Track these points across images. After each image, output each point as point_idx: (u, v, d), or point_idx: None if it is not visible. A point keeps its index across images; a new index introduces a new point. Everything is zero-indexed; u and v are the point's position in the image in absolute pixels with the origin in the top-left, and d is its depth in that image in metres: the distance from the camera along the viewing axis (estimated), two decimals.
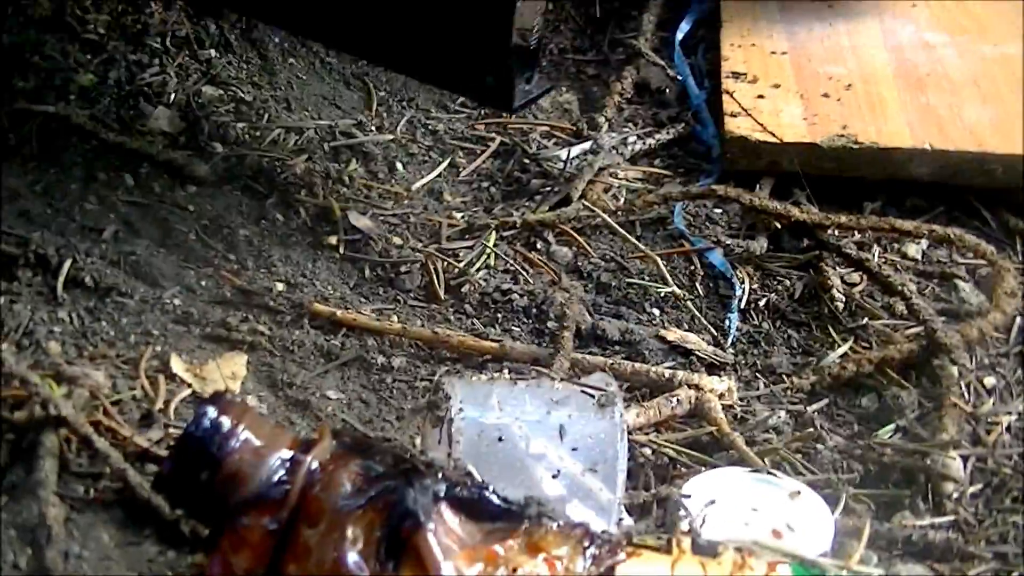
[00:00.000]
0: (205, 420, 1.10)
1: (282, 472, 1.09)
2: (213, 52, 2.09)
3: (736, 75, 2.12)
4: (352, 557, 1.03)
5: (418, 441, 1.36)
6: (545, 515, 1.09)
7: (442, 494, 1.08)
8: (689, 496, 1.33)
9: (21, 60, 1.97)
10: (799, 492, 1.35)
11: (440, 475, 1.09)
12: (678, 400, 1.54)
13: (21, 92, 1.91)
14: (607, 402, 1.31)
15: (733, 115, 2.03)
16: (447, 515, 1.07)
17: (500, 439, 1.27)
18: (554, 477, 1.25)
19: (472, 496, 1.09)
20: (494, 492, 1.10)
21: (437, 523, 1.05)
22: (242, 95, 2.01)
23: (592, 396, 1.32)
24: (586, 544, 1.08)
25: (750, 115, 2.02)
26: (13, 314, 1.54)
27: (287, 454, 1.10)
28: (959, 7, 2.36)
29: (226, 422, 1.11)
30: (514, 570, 1.05)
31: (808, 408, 1.60)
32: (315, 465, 1.09)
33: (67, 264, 1.61)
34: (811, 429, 1.54)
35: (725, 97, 2.07)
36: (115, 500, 1.34)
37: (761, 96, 2.07)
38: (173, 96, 1.98)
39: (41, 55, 1.98)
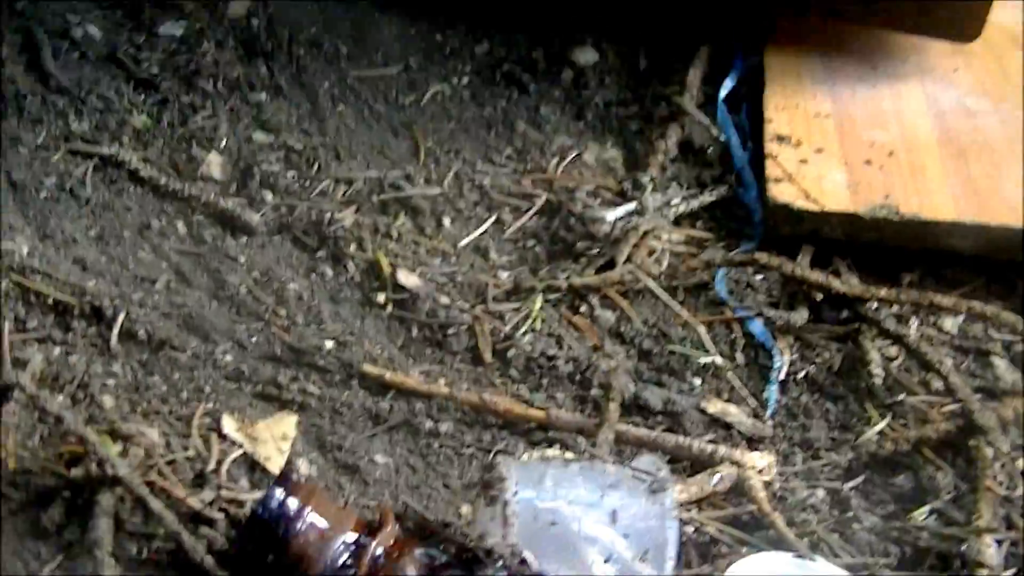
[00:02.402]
0: (273, 502, 1.13)
1: (347, 556, 1.12)
2: (264, 96, 2.11)
3: (780, 138, 2.14)
4: None
5: (466, 510, 1.38)
6: None
7: None
8: None
9: (77, 99, 1.99)
10: None
11: (500, 563, 1.12)
12: (720, 477, 1.56)
13: (76, 133, 1.93)
14: (658, 488, 1.34)
15: (776, 181, 2.04)
16: None
17: (554, 523, 1.29)
18: (606, 561, 1.28)
19: None
20: None
21: None
22: (292, 143, 2.03)
23: (644, 480, 1.35)
24: None
25: (793, 181, 2.03)
26: (68, 366, 1.57)
27: (352, 537, 1.13)
28: (1000, 72, 2.37)
29: (293, 504, 1.13)
30: None
31: (845, 485, 1.62)
32: (379, 551, 1.12)
33: (121, 316, 1.63)
34: (849, 513, 1.56)
35: (768, 162, 2.08)
36: (168, 561, 1.36)
37: (804, 161, 2.08)
38: (225, 141, 2.00)
39: (96, 95, 2.01)
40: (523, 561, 1.14)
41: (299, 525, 1.12)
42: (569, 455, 1.52)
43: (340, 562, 1.11)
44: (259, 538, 1.12)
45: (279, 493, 1.13)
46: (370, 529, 1.13)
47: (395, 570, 1.10)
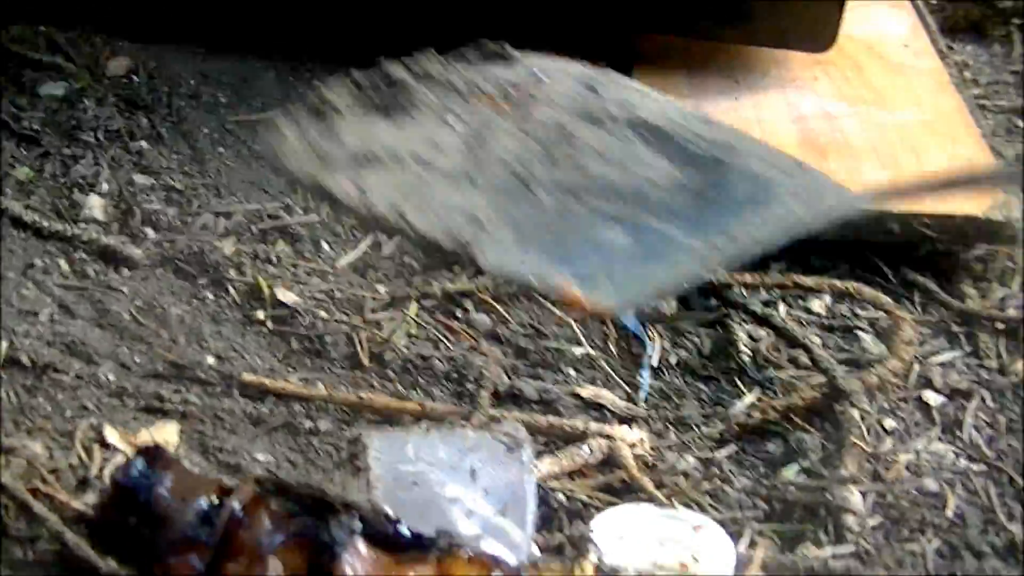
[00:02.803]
0: (133, 470, 1.18)
1: (207, 515, 1.17)
2: (144, 143, 2.18)
3: None
4: None
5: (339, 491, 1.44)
6: (455, 545, 1.17)
7: (358, 530, 1.16)
8: (595, 532, 1.41)
9: None
10: (701, 525, 1.44)
11: (355, 513, 1.17)
12: (590, 449, 1.62)
13: None
14: (515, 445, 1.40)
15: None
16: (362, 548, 1.15)
17: (415, 484, 1.35)
18: (468, 517, 1.33)
19: (386, 530, 1.17)
20: (406, 526, 1.18)
21: (353, 556, 1.13)
22: (173, 183, 2.10)
23: (502, 442, 1.41)
24: (492, 570, 1.16)
25: None
26: None
27: (212, 499, 1.18)
28: (859, 79, 2.49)
29: (153, 471, 1.18)
30: None
31: (716, 453, 1.68)
32: (237, 507, 1.17)
33: (4, 345, 1.68)
34: (719, 476, 1.62)
35: None
36: (53, 561, 1.40)
37: None
38: (106, 186, 2.07)
39: None
40: (381, 511, 1.19)
41: (160, 489, 1.17)
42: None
43: (200, 521, 1.16)
44: (121, 504, 1.17)
45: (140, 462, 1.19)
46: (229, 491, 1.19)
47: (252, 522, 1.15)
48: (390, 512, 1.20)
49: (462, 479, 1.37)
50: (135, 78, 2.34)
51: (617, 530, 1.42)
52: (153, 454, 1.20)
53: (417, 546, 1.17)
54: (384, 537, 1.17)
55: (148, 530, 1.16)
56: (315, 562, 1.12)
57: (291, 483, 1.21)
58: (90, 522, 1.20)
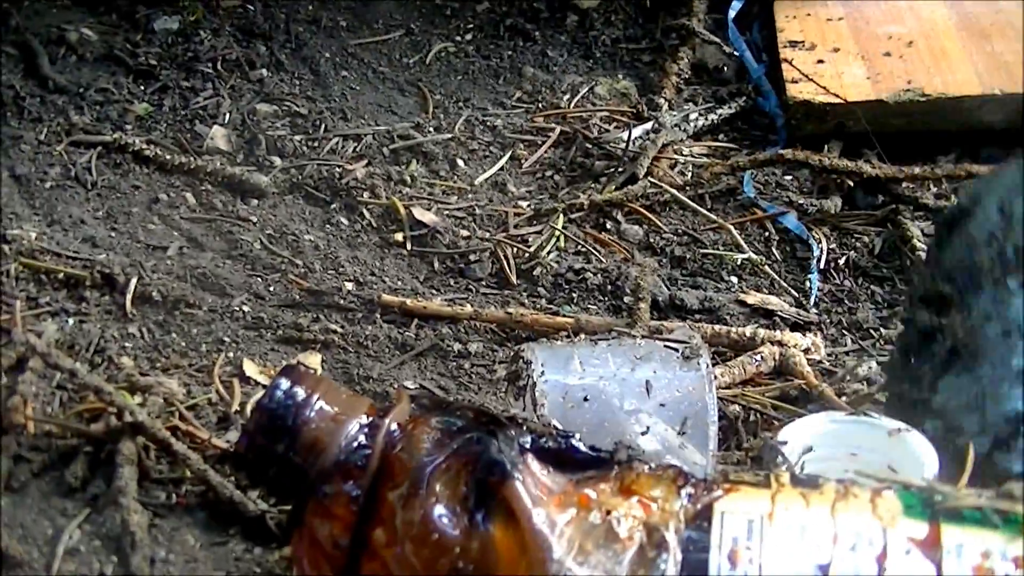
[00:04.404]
0: (278, 391, 1.07)
1: (362, 438, 1.06)
2: (265, 72, 2.09)
3: (793, 44, 2.09)
4: (438, 510, 0.99)
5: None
6: (636, 459, 1.05)
7: (528, 446, 1.04)
8: (785, 443, 1.28)
9: (76, 95, 1.98)
10: (899, 430, 1.30)
11: (524, 427, 1.05)
12: (762, 357, 1.50)
13: (78, 125, 1.91)
14: (692, 354, 1.27)
15: (794, 81, 1.99)
16: (534, 466, 1.03)
17: (585, 399, 1.23)
18: (643, 434, 1.21)
19: (559, 446, 1.05)
20: (581, 441, 1.06)
21: (525, 474, 1.01)
22: (297, 109, 2.01)
23: (676, 350, 1.28)
24: (680, 483, 1.04)
25: (811, 80, 1.98)
26: (83, 333, 1.52)
27: (365, 419, 1.07)
28: None
29: (300, 392, 1.07)
30: (608, 513, 1.00)
31: None
32: (394, 427, 1.05)
33: (134, 281, 1.59)
34: None
35: (784, 65, 2.04)
36: (198, 503, 1.31)
37: (821, 61, 2.04)
38: (228, 116, 1.98)
39: (95, 89, 2.00)
40: (552, 425, 1.07)
41: (308, 412, 1.06)
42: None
43: (355, 444, 1.06)
44: (268, 429, 1.06)
45: (285, 383, 1.08)
46: (384, 410, 1.07)
47: (410, 442, 1.04)
48: (560, 426, 1.08)
49: (635, 392, 1.24)
50: (250, 7, 2.24)
51: (805, 440, 1.29)
52: (297, 373, 1.09)
53: (595, 462, 1.04)
54: (557, 453, 1.04)
55: (298, 457, 1.05)
56: (483, 482, 1.00)
57: (449, 399, 1.09)
58: (235, 454, 1.09)
